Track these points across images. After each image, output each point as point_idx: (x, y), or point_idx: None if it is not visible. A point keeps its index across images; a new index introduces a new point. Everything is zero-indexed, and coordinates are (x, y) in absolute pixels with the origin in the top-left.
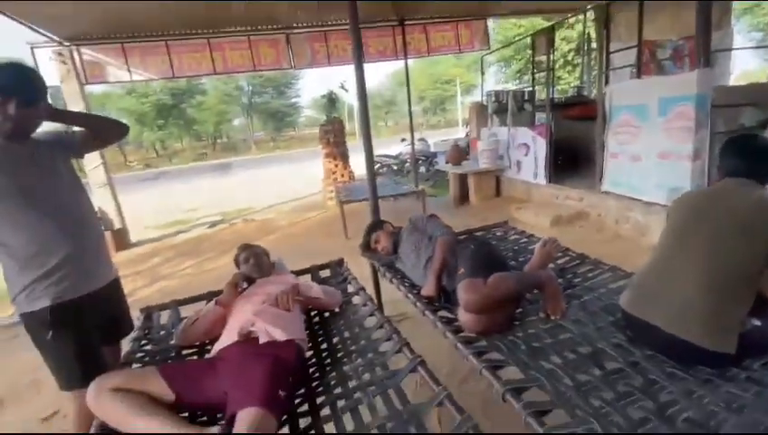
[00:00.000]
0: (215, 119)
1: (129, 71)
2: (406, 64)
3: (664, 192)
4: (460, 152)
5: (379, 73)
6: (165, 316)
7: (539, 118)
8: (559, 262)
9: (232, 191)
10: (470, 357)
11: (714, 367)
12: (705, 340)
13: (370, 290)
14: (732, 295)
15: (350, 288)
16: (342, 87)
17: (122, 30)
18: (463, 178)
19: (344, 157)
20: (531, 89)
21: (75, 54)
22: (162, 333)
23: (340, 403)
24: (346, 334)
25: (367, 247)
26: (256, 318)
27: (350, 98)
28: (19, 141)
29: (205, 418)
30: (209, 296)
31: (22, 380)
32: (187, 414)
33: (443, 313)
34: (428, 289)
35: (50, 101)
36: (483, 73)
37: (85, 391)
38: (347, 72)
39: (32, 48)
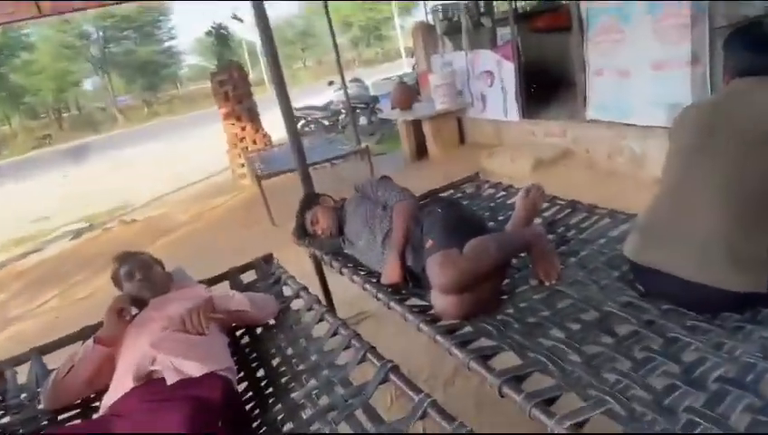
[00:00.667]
0: (53, 84)
1: None
2: None
3: (662, 111)
4: (408, 92)
5: None
6: (24, 373)
7: (501, 35)
8: (546, 214)
9: (96, 184)
10: (453, 349)
11: (742, 312)
12: (732, 280)
13: (315, 289)
14: (759, 222)
15: (287, 290)
16: (235, 17)
17: None
18: (416, 126)
19: (252, 115)
20: None
21: None
22: (24, 396)
23: None
24: (289, 351)
25: (302, 233)
26: (156, 351)
27: (248, 32)
28: None
29: None
30: (83, 335)
31: None
32: None
33: (413, 301)
34: (391, 273)
35: None
36: None
37: None
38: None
39: None
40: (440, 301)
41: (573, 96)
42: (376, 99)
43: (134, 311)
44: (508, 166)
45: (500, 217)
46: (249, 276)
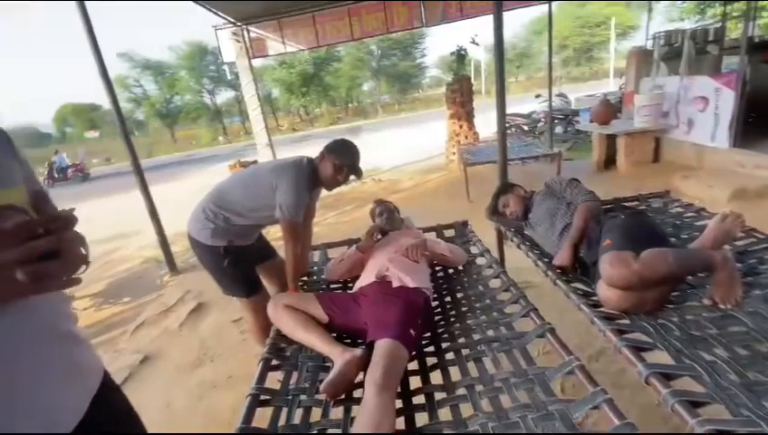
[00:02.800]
0: (347, 84)
1: (283, 43)
2: (550, 7)
3: None
4: (610, 108)
5: (514, 23)
6: (316, 256)
7: (727, 64)
8: (738, 243)
9: (363, 152)
10: (608, 332)
11: None
12: None
13: (495, 253)
14: None
15: (474, 249)
16: (473, 41)
17: (280, 7)
18: (610, 140)
19: (469, 117)
20: (719, 25)
21: (245, 33)
22: (315, 268)
23: (465, 352)
24: (470, 292)
25: (494, 211)
26: (390, 264)
27: (479, 53)
28: None
29: (349, 340)
30: (349, 243)
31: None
32: (335, 335)
33: (578, 284)
34: (563, 258)
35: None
36: (650, 11)
37: (249, 301)
38: (477, 25)
39: (215, 30)
40: (605, 291)
41: None
42: (576, 112)
43: (379, 236)
44: (703, 190)
45: (683, 236)
46: (449, 233)
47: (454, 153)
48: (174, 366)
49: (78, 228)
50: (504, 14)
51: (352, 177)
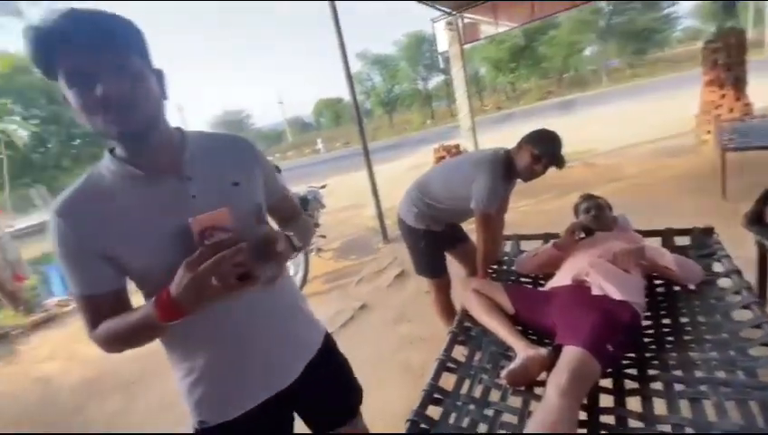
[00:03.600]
0: (564, 52)
1: (496, 24)
2: None
3: None
4: None
5: None
6: (508, 246)
7: None
8: None
9: (573, 131)
10: None
11: None
12: None
13: (750, 277)
14: None
15: (717, 267)
16: None
17: None
18: None
19: (738, 83)
20: None
21: (459, 21)
22: (506, 258)
23: (678, 387)
24: (700, 319)
25: (757, 219)
26: (591, 269)
27: None
28: None
29: (534, 337)
30: (545, 237)
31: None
32: (520, 328)
33: None
34: None
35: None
36: None
37: (432, 281)
38: None
39: (433, 22)
40: None
41: None
42: None
43: (582, 235)
44: None
45: None
46: (682, 241)
47: (708, 132)
48: (381, 319)
49: (325, 200)
50: None
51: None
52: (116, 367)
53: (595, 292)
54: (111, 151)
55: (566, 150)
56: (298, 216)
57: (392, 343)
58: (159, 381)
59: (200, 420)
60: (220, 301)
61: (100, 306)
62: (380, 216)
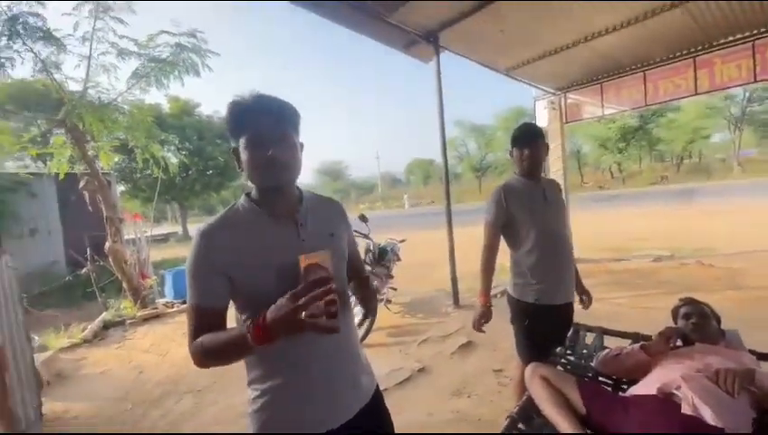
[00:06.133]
0: (686, 137)
1: (602, 106)
2: None
3: None
4: None
5: None
6: (590, 338)
7: None
8: None
9: (691, 223)
10: None
11: None
12: None
13: None
14: None
15: None
16: None
17: (603, 71)
18: None
19: None
20: None
21: (562, 100)
22: (584, 351)
23: None
24: None
25: None
26: (684, 383)
27: None
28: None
29: None
30: (635, 337)
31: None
32: (590, 433)
33: None
34: None
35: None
36: None
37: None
38: None
39: (535, 100)
40: None
41: None
42: None
43: (679, 343)
44: None
45: None
46: None
47: None
48: (438, 386)
49: (402, 253)
50: None
51: None
52: (193, 373)
53: (685, 410)
54: (248, 194)
55: (680, 244)
56: (364, 275)
57: (444, 416)
58: (225, 396)
59: None
60: (299, 335)
61: (205, 318)
62: (454, 280)
